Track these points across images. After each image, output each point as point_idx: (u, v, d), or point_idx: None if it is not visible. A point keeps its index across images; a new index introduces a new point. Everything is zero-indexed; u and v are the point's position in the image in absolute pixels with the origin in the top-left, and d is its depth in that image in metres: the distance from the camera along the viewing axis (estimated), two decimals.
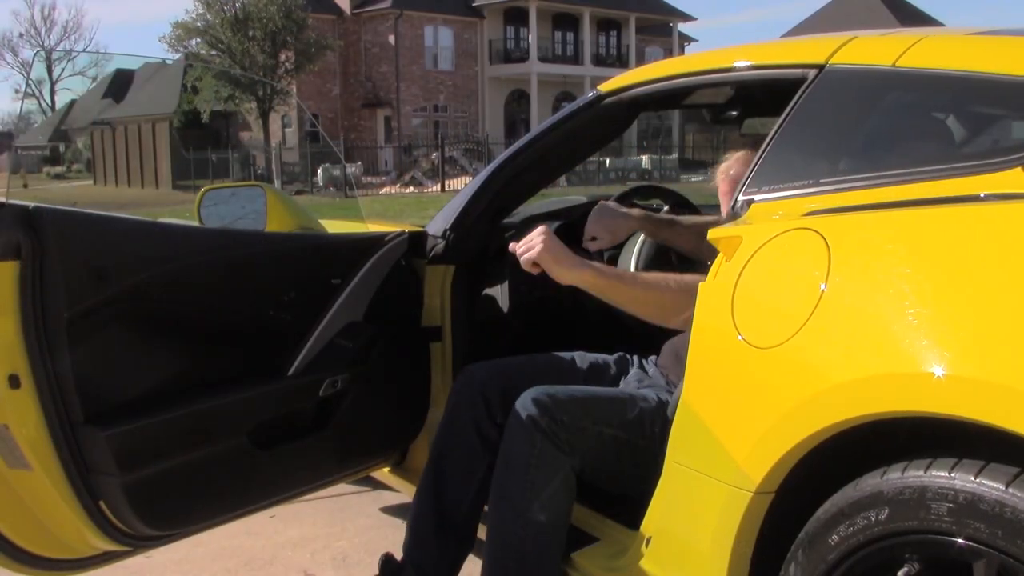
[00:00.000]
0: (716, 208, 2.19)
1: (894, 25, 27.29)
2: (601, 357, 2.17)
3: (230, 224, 2.52)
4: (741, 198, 1.68)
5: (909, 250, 1.36)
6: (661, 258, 2.29)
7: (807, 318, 1.38)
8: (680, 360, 1.70)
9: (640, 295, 1.84)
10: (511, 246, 1.92)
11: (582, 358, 2.15)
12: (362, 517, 2.99)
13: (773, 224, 1.56)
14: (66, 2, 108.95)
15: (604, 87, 2.21)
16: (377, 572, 2.04)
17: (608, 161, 27.34)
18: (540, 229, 1.87)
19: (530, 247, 1.86)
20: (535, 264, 1.85)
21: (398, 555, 2.05)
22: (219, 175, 26.36)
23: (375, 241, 2.27)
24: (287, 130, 33.73)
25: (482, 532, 2.00)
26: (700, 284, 1.62)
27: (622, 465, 1.91)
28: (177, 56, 31.20)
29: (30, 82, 60.34)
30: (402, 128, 33.14)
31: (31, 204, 1.63)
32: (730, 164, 2.03)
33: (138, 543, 1.86)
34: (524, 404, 1.83)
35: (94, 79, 52.05)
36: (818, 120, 1.70)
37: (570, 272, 1.84)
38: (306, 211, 2.74)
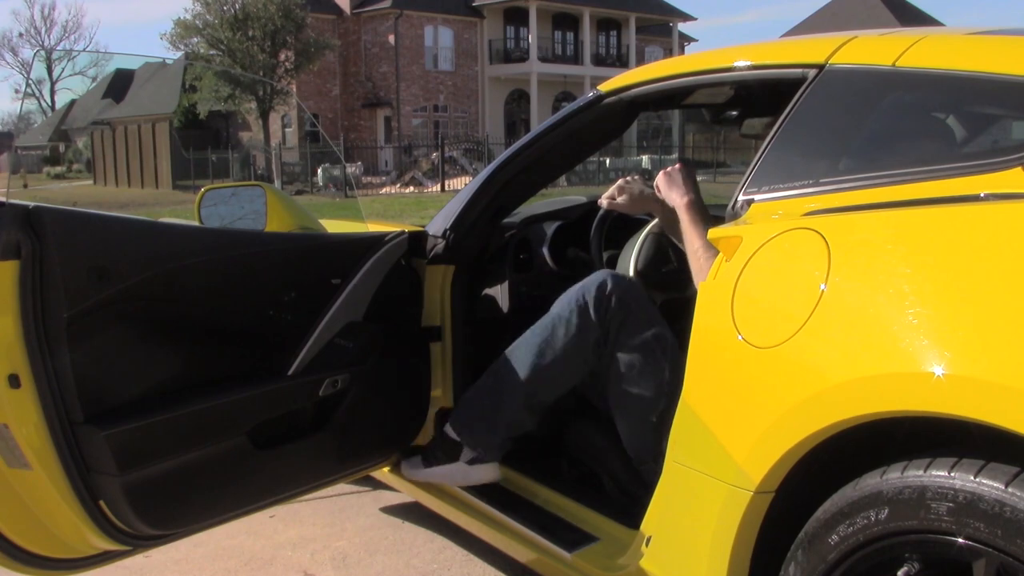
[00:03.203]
0: (716, 207, 2.19)
1: (894, 25, 27.30)
2: None
3: (230, 224, 2.52)
4: (741, 198, 1.69)
5: (909, 250, 1.36)
6: (661, 257, 2.29)
7: (807, 318, 1.39)
8: None
9: (690, 250, 1.92)
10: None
11: None
12: (362, 517, 2.99)
13: (773, 224, 1.56)
14: (66, 2, 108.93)
15: (604, 87, 2.21)
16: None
17: (608, 161, 27.33)
18: (681, 163, 2.10)
19: (666, 169, 2.09)
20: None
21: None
22: (219, 175, 26.35)
23: (375, 241, 2.27)
24: (287, 130, 33.73)
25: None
26: (700, 284, 1.62)
27: (646, 394, 2.02)
28: (178, 55, 31.22)
29: (30, 82, 60.41)
30: (402, 128, 33.14)
31: (31, 204, 1.63)
32: None
33: (138, 542, 1.86)
34: (607, 274, 2.09)
35: (94, 79, 52.13)
36: (818, 120, 1.71)
37: (671, 191, 2.04)
38: (306, 211, 2.74)
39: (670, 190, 2.05)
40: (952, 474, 1.21)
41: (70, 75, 57.28)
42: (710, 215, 1.95)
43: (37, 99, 57.80)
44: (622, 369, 2.05)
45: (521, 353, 2.11)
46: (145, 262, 1.78)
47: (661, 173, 2.10)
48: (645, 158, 29.26)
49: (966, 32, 1.72)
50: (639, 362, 2.03)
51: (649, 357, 2.03)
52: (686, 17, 40.68)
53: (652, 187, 2.23)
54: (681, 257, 2.31)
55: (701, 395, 1.57)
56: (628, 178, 2.25)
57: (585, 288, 2.07)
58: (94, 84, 50.17)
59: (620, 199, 2.21)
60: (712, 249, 1.77)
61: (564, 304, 2.08)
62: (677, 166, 2.10)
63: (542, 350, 2.08)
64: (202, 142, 29.64)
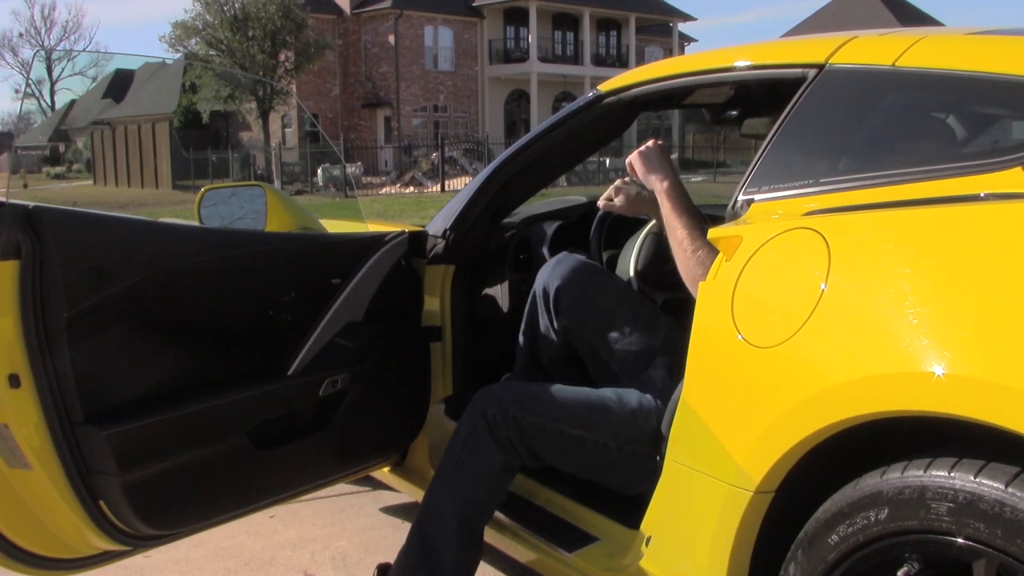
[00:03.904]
0: (716, 208, 2.19)
1: (894, 25, 27.29)
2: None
3: (230, 224, 2.52)
4: (741, 198, 1.69)
5: (909, 250, 1.36)
6: (661, 257, 2.28)
7: (807, 318, 1.39)
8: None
9: (674, 240, 1.84)
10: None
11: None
12: (362, 517, 2.99)
13: (773, 224, 1.56)
14: (66, 2, 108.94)
15: (604, 87, 2.21)
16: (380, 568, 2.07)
17: (608, 161, 27.33)
18: (654, 140, 2.03)
19: (639, 148, 2.02)
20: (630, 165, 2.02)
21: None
22: (219, 175, 26.35)
23: (375, 241, 2.27)
24: (287, 130, 33.73)
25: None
26: (700, 284, 1.62)
27: (592, 464, 1.98)
28: (177, 56, 31.22)
29: (30, 82, 60.41)
30: (402, 128, 33.15)
31: (31, 204, 1.63)
32: None
33: (138, 543, 1.86)
34: (484, 392, 1.98)
35: (94, 79, 52.14)
36: (818, 120, 1.71)
37: (649, 175, 1.98)
38: (306, 211, 2.74)
39: (648, 173, 1.98)
40: (952, 474, 1.21)
41: (70, 75, 57.34)
42: (691, 201, 1.92)
43: (37, 99, 57.85)
44: (554, 462, 2.02)
45: (439, 505, 1.96)
46: (145, 262, 1.78)
47: (635, 153, 2.02)
48: None
49: (966, 32, 1.72)
50: (561, 451, 1.98)
51: (567, 442, 1.96)
52: (686, 17, 40.69)
53: (646, 191, 2.22)
54: None
55: (701, 395, 1.57)
56: (625, 179, 2.24)
57: (471, 421, 1.97)
58: (94, 84, 50.20)
59: (617, 200, 2.18)
60: (698, 240, 1.76)
61: (460, 446, 1.98)
62: (651, 143, 2.02)
63: (457, 500, 1.95)
64: (202, 142, 29.65)
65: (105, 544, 1.81)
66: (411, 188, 25.40)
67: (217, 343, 1.95)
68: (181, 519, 1.89)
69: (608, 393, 2.04)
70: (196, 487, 1.88)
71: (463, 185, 2.93)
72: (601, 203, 2.23)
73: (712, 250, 1.69)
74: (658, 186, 1.95)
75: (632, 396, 2.01)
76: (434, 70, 34.36)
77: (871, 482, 1.31)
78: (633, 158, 2.02)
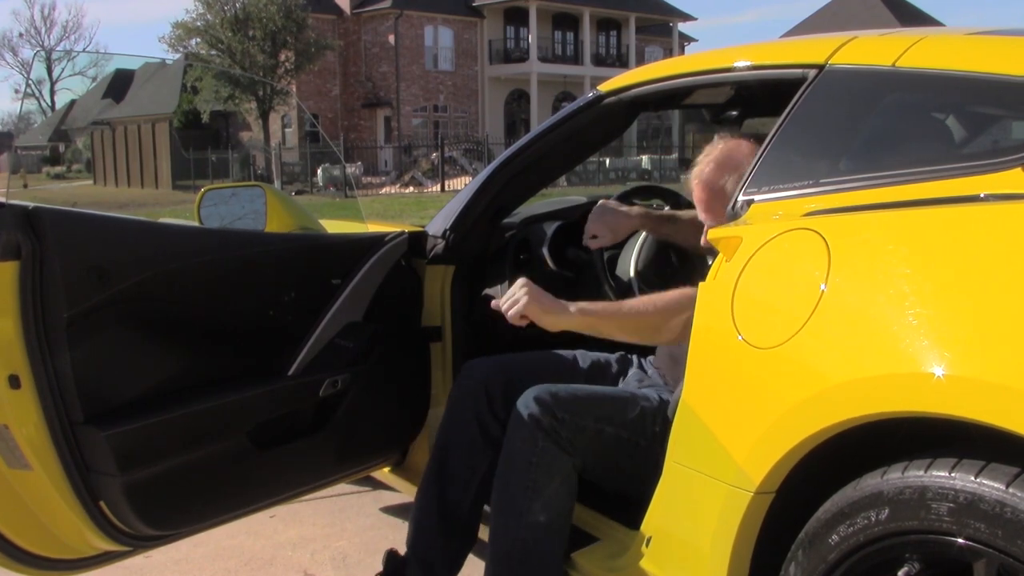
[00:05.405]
0: None
1: (894, 25, 27.30)
2: (603, 356, 2.19)
3: (230, 224, 2.52)
4: (741, 198, 1.69)
5: (909, 250, 1.36)
6: (661, 257, 2.29)
7: (807, 318, 1.39)
8: (676, 361, 1.70)
9: (625, 323, 1.87)
10: (493, 303, 1.91)
11: (583, 356, 2.17)
12: (362, 517, 3.00)
13: (773, 224, 1.56)
14: (66, 2, 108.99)
15: (604, 87, 2.21)
16: (381, 569, 2.05)
17: (608, 161, 27.37)
18: (521, 282, 1.87)
19: (515, 302, 1.85)
20: (523, 317, 1.85)
21: (402, 550, 2.07)
22: (219, 175, 26.37)
23: (375, 241, 2.27)
24: (287, 130, 33.73)
25: (484, 532, 2.00)
26: (700, 284, 1.62)
27: (622, 464, 1.92)
28: (177, 56, 31.22)
29: (30, 82, 60.41)
30: (402, 128, 33.15)
31: (31, 204, 1.63)
32: (703, 167, 1.91)
33: (138, 543, 1.86)
34: (526, 403, 1.84)
35: (94, 79, 52.16)
36: (818, 120, 1.70)
37: (558, 319, 1.85)
38: (306, 211, 2.74)
39: (546, 312, 1.85)
40: (953, 474, 1.21)
41: (70, 75, 57.33)
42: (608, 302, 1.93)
43: (37, 99, 57.85)
44: (595, 464, 1.90)
45: (533, 548, 1.84)
46: (145, 262, 1.78)
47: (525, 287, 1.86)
48: (645, 158, 29.26)
49: (966, 32, 1.72)
50: (603, 453, 1.88)
51: (608, 442, 1.87)
52: (686, 17, 40.69)
53: (623, 211, 2.27)
54: (681, 257, 2.31)
55: (701, 395, 1.57)
56: (596, 211, 2.27)
57: (527, 437, 1.83)
58: (94, 84, 50.23)
59: (603, 236, 2.24)
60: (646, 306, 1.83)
61: (524, 469, 1.83)
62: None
63: (541, 531, 1.83)
64: (202, 142, 29.65)
65: (105, 544, 1.81)
66: (411, 188, 25.40)
67: (217, 343, 1.95)
68: (181, 519, 1.89)
69: (631, 390, 2.02)
70: (196, 487, 1.88)
71: (463, 185, 2.94)
72: (591, 244, 2.28)
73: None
74: (567, 324, 1.87)
75: (650, 391, 1.98)
76: (434, 70, 34.36)
77: (872, 482, 1.31)
78: (529, 313, 1.84)
